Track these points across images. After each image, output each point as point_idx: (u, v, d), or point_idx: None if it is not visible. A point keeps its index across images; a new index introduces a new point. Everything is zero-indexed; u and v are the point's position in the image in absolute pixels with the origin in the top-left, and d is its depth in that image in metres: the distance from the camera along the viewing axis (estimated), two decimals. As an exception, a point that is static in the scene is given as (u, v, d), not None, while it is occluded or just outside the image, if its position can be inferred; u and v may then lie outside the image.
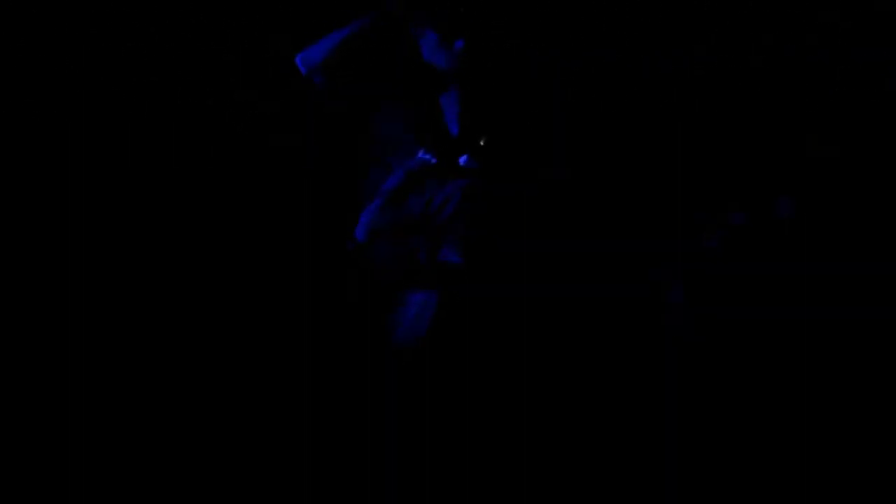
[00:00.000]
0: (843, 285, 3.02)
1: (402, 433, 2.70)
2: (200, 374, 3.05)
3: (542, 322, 2.89)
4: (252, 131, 3.31)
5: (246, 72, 3.30)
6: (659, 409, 2.89)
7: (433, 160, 2.75)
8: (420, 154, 2.78)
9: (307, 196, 3.24)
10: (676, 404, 2.88)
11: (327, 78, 2.80)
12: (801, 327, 2.98)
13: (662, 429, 2.85)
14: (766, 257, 3.10)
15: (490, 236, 2.76)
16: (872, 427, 2.89)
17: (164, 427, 2.93)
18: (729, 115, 3.21)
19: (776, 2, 3.23)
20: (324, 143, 3.26)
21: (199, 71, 3.28)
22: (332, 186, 3.19)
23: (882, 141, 3.18)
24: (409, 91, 2.82)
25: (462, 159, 2.76)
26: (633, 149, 3.17)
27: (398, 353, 2.71)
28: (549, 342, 2.90)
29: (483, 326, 2.77)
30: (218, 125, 3.29)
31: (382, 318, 2.76)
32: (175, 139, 3.27)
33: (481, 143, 2.75)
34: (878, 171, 3.17)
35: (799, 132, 3.20)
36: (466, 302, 2.73)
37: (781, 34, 3.22)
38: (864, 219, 3.14)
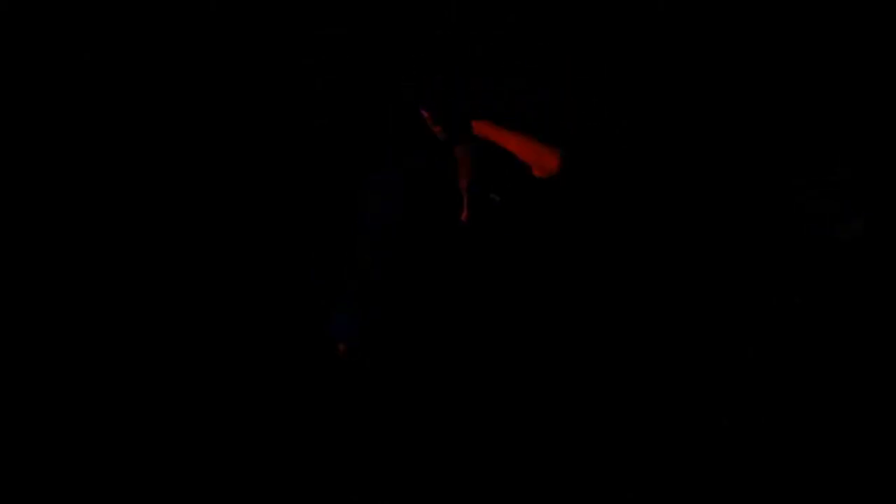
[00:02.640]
0: None
1: None
2: (199, 374, 3.06)
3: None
4: (252, 131, 3.32)
5: (246, 72, 3.31)
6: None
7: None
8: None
9: (307, 196, 3.25)
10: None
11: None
12: None
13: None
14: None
15: None
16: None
17: (161, 424, 2.94)
18: (728, 115, 3.21)
19: (776, 1, 3.22)
20: (325, 143, 3.27)
21: (199, 71, 3.28)
22: (333, 187, 3.21)
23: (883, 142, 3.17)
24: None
25: None
26: (631, 148, 3.17)
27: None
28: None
29: None
30: (218, 125, 3.30)
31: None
32: (175, 139, 3.28)
33: (495, 199, 2.76)
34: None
35: (800, 132, 3.20)
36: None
37: (781, 34, 3.22)
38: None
